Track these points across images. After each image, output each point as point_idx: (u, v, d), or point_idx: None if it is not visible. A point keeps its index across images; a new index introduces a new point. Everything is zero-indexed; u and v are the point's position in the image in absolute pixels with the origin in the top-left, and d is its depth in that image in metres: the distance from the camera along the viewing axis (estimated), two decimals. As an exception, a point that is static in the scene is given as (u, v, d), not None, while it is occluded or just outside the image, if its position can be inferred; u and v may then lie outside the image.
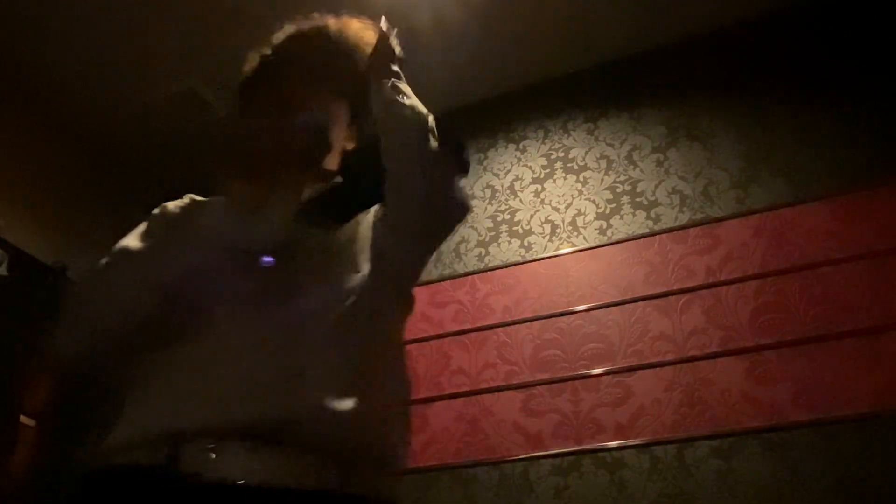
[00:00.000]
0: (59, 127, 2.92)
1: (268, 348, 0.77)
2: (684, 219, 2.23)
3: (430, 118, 0.87)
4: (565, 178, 2.50)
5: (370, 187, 0.89)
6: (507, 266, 2.39)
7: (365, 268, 0.84)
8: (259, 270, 0.82)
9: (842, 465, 1.72)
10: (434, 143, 0.85)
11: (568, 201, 2.45)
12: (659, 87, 2.50)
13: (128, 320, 0.81)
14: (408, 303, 0.92)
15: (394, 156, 0.86)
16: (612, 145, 2.49)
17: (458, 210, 0.89)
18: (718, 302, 2.05)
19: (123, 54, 2.62)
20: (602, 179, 2.44)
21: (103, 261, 0.91)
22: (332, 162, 0.96)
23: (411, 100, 0.89)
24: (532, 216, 2.46)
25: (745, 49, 2.43)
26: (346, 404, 0.74)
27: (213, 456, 0.71)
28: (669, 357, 2.03)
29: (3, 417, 2.53)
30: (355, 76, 0.96)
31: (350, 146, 1.01)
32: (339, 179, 0.97)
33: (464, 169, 0.89)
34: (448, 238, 0.94)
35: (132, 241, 0.94)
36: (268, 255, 0.83)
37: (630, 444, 1.95)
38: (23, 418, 2.62)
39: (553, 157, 2.56)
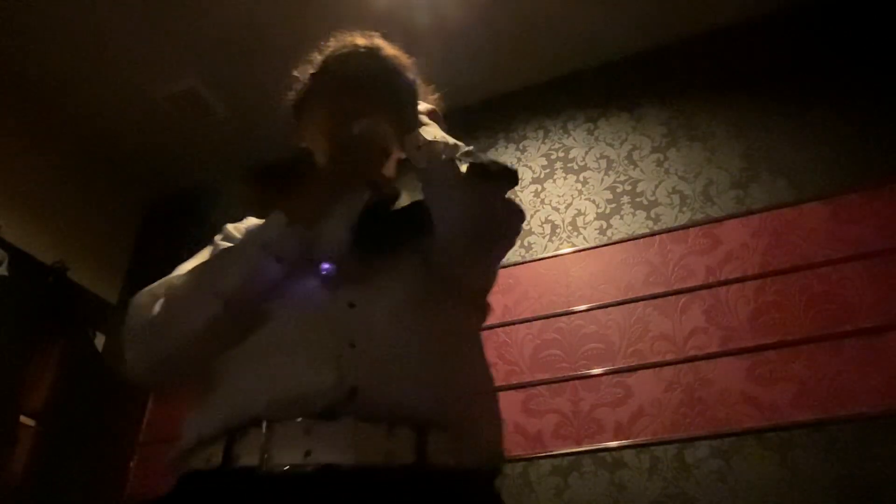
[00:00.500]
0: (59, 127, 2.92)
1: (321, 330, 0.78)
2: (684, 219, 2.23)
3: (461, 146, 0.89)
4: (565, 178, 2.50)
5: (416, 218, 0.90)
6: (507, 266, 2.38)
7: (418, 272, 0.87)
8: (318, 275, 0.83)
9: (842, 465, 1.72)
10: (463, 167, 0.85)
11: (568, 201, 2.45)
12: (659, 87, 2.50)
13: (188, 332, 0.81)
14: (476, 305, 0.94)
15: (429, 188, 0.88)
16: (612, 145, 2.49)
17: (507, 222, 0.90)
18: (718, 302, 2.05)
19: (123, 54, 2.62)
20: (602, 179, 2.44)
21: (165, 278, 0.91)
22: (389, 169, 0.98)
23: (435, 131, 0.92)
24: (532, 216, 2.46)
25: (745, 49, 2.43)
26: (407, 372, 0.75)
27: (266, 440, 0.70)
28: (669, 357, 2.02)
29: (3, 417, 2.53)
30: (404, 87, 0.98)
31: (404, 155, 1.02)
32: (397, 188, 0.99)
33: (509, 180, 0.89)
34: (508, 244, 0.95)
35: (194, 260, 0.95)
36: (327, 263, 0.84)
37: (630, 444, 1.95)
38: (23, 418, 2.62)
39: (553, 157, 2.56)
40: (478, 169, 0.83)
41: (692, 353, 2.00)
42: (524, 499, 2.00)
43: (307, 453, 0.68)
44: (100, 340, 2.94)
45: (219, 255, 0.88)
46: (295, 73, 1.08)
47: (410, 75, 0.99)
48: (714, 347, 1.99)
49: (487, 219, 0.85)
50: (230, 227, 1.01)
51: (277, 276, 0.82)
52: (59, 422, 2.68)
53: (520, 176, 1.01)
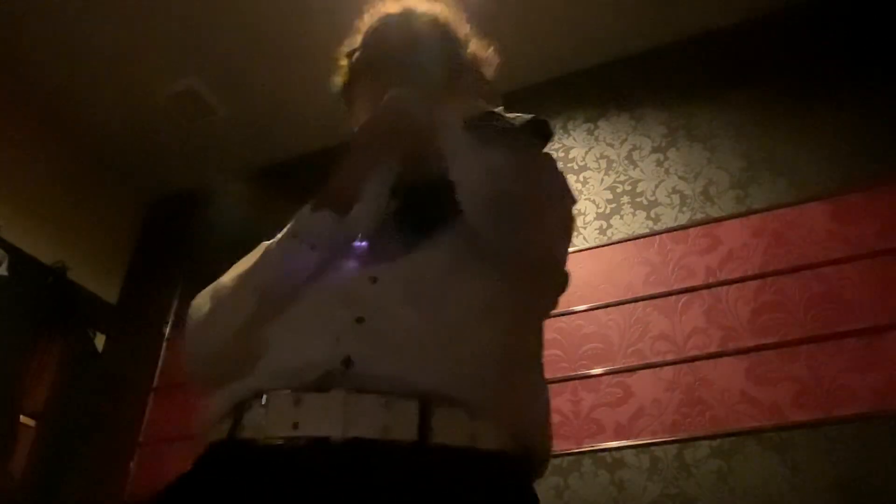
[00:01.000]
0: (59, 127, 2.92)
1: (333, 305, 0.75)
2: (684, 219, 2.23)
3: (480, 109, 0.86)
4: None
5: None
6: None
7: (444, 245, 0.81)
8: (353, 254, 0.80)
9: (842, 465, 1.72)
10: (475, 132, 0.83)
11: (568, 201, 2.44)
12: (659, 87, 2.50)
13: (230, 329, 0.80)
14: (526, 278, 0.82)
15: (449, 157, 0.83)
16: (612, 145, 2.49)
17: (527, 183, 0.82)
18: (718, 302, 2.05)
19: (123, 54, 2.62)
20: (602, 179, 2.44)
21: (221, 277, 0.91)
22: (425, 139, 0.90)
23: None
24: (532, 216, 2.46)
25: (745, 49, 2.43)
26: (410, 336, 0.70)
27: (264, 412, 0.69)
28: (669, 357, 2.02)
29: (3, 417, 2.53)
30: (431, 50, 0.93)
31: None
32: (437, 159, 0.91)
33: (541, 134, 0.86)
34: (544, 206, 0.86)
35: (252, 254, 0.94)
36: (359, 241, 0.81)
37: (630, 444, 1.95)
38: (23, 418, 2.62)
39: (553, 156, 2.56)
40: (483, 131, 0.80)
41: (692, 353, 2.00)
42: (524, 499, 2.00)
43: (294, 425, 0.66)
44: (100, 340, 2.94)
45: (258, 252, 0.86)
46: (336, 56, 1.04)
47: (444, 33, 0.93)
48: (714, 347, 1.99)
49: (490, 186, 0.78)
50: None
51: (314, 263, 0.80)
52: (59, 422, 2.68)
53: (551, 129, 0.96)
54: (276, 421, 0.68)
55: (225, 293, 0.84)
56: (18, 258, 2.66)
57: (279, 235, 0.84)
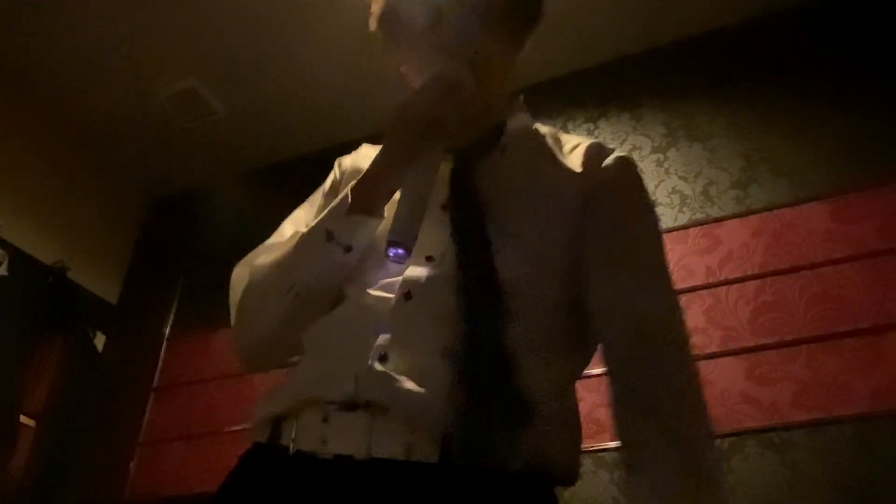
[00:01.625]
0: (59, 127, 2.92)
1: (361, 325, 0.72)
2: (684, 219, 2.23)
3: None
4: (565, 178, 2.50)
5: None
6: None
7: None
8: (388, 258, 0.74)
9: (842, 465, 1.72)
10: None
11: (568, 201, 2.44)
12: (659, 87, 2.50)
13: (266, 325, 0.81)
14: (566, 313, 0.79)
15: None
16: (612, 145, 2.48)
17: None
18: (718, 302, 2.05)
19: (123, 54, 2.62)
20: (602, 179, 2.43)
21: (263, 245, 0.91)
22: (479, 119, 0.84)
23: None
24: (532, 216, 2.46)
25: (745, 49, 2.42)
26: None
27: (296, 428, 0.70)
28: (669, 357, 2.02)
29: (3, 417, 2.53)
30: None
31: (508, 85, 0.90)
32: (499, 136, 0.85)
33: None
34: None
35: (299, 212, 0.95)
36: (395, 247, 0.71)
37: (630, 444, 1.95)
38: (23, 418, 2.62)
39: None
40: None
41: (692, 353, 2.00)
42: (524, 499, 2.00)
43: (323, 442, 0.68)
44: (100, 340, 2.94)
45: (293, 246, 0.80)
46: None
47: None
48: (714, 347, 1.99)
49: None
50: (346, 160, 0.94)
51: (351, 263, 0.76)
52: (59, 422, 2.68)
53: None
54: (306, 435, 0.70)
55: (255, 285, 0.82)
56: (18, 258, 2.66)
57: (312, 230, 0.78)
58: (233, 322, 0.85)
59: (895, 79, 2.14)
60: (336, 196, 0.80)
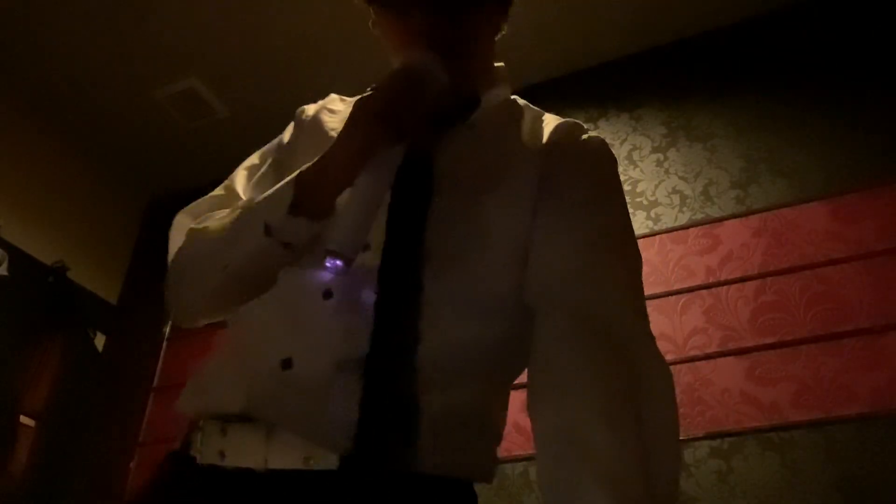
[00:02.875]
0: (59, 127, 2.92)
1: (274, 332, 0.71)
2: (684, 219, 2.23)
3: None
4: (565, 178, 2.50)
5: None
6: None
7: None
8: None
9: (842, 465, 1.72)
10: None
11: (568, 201, 2.44)
12: (659, 87, 2.50)
13: (198, 294, 0.83)
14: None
15: None
16: (612, 145, 2.46)
17: None
18: (718, 302, 2.05)
19: (123, 54, 2.62)
20: (602, 179, 2.43)
21: (203, 200, 0.93)
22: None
23: None
24: (532, 216, 2.46)
25: (745, 49, 2.42)
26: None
27: (200, 438, 0.70)
28: (669, 357, 2.02)
29: (3, 417, 2.53)
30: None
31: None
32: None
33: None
34: None
35: (237, 177, 0.96)
36: (333, 258, 0.66)
37: (630, 444, 1.94)
38: (23, 418, 2.62)
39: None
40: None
41: (692, 353, 2.00)
42: (524, 499, 2.00)
43: (222, 455, 0.67)
44: (100, 340, 2.94)
45: (232, 224, 0.75)
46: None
47: None
48: (714, 347, 1.99)
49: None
50: (309, 109, 0.91)
51: (287, 259, 0.71)
52: (59, 422, 2.68)
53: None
54: (206, 448, 0.69)
55: (189, 254, 0.80)
56: (18, 258, 2.66)
57: (251, 212, 0.74)
58: (167, 281, 0.83)
59: (894, 79, 2.14)
60: (291, 157, 0.79)
